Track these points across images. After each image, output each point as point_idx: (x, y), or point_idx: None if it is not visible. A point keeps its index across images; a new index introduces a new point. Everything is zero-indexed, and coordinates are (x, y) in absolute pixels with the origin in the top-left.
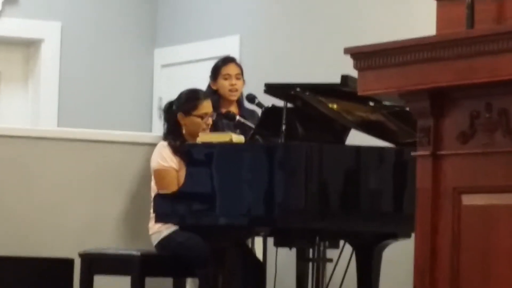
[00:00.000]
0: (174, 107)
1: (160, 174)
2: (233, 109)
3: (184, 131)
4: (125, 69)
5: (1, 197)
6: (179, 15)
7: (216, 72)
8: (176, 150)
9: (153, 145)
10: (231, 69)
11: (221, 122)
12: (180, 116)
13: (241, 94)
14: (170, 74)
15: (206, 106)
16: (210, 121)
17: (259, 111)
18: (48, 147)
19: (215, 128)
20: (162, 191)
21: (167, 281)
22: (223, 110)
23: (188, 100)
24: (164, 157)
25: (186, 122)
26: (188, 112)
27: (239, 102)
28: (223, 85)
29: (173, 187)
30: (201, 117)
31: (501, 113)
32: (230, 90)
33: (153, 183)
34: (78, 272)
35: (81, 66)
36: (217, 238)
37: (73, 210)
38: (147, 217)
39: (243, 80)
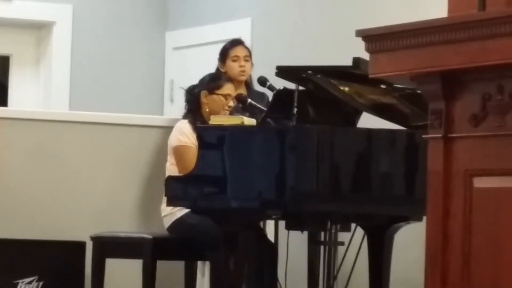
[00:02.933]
0: (197, 89)
1: (181, 151)
2: (242, 91)
3: (206, 110)
4: (137, 52)
5: (13, 180)
6: None
7: (224, 54)
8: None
9: (165, 127)
10: (239, 51)
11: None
12: (203, 94)
13: (250, 77)
14: (182, 57)
15: (229, 87)
16: (231, 103)
17: (270, 94)
18: (60, 130)
19: None
20: (182, 170)
21: (179, 264)
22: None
23: (213, 80)
24: (185, 134)
25: (209, 101)
26: (212, 91)
27: (248, 85)
28: (232, 66)
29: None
30: (225, 97)
31: None
32: (239, 72)
33: (168, 164)
34: (90, 255)
35: (92, 49)
36: (229, 221)
37: (86, 194)
38: (159, 200)
39: (251, 63)
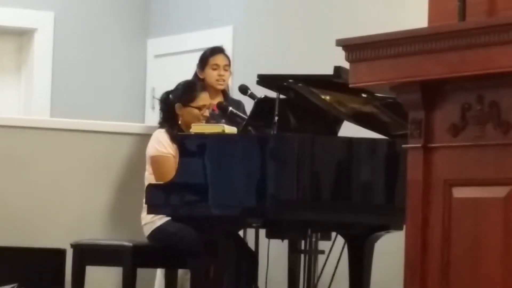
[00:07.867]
0: (171, 97)
1: (158, 161)
2: (219, 99)
3: (180, 122)
4: (118, 59)
5: None
6: (172, 6)
7: (204, 61)
8: (174, 138)
9: (146, 135)
10: (219, 59)
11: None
12: (178, 106)
13: (227, 85)
14: (163, 64)
15: (204, 98)
16: (207, 113)
17: (251, 102)
18: (40, 137)
19: None
20: (159, 179)
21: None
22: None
23: (187, 92)
24: (162, 144)
25: (184, 113)
26: (186, 103)
27: (225, 93)
28: (211, 74)
29: (172, 174)
30: (199, 108)
31: (492, 106)
32: (218, 80)
33: (147, 173)
34: (70, 263)
35: (74, 56)
36: (210, 229)
37: (66, 200)
38: (139, 208)
39: (230, 72)
